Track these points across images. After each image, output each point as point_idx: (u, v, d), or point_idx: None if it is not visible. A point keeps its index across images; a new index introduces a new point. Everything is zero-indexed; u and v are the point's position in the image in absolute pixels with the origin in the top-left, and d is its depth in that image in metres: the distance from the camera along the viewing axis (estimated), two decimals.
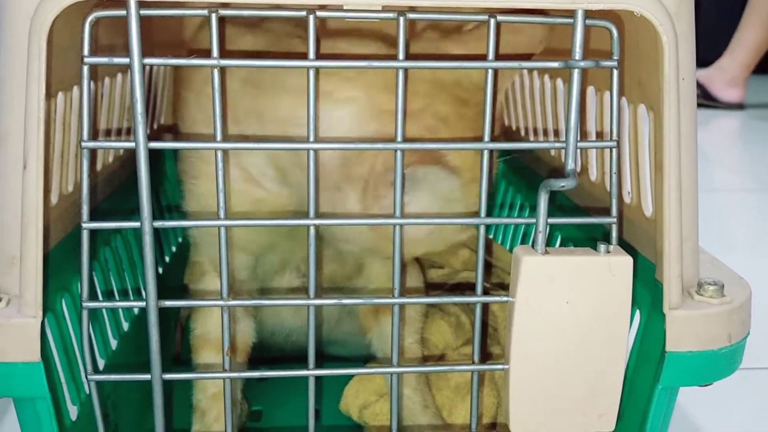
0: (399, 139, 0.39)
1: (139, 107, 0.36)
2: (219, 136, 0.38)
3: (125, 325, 0.54)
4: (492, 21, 0.38)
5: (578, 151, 0.41)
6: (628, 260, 0.40)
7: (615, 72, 0.40)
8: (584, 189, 0.54)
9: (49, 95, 0.38)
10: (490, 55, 0.38)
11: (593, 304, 0.40)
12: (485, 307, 0.63)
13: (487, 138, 0.39)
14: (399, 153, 0.39)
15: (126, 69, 0.51)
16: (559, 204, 0.58)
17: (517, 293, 0.40)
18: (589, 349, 0.41)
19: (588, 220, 0.43)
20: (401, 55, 0.38)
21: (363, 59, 0.39)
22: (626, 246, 0.49)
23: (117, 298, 0.52)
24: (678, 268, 0.41)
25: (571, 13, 0.37)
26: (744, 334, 0.43)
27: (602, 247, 0.40)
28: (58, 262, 0.42)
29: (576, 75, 0.38)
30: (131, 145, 0.37)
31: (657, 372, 0.42)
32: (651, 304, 0.45)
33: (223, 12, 0.36)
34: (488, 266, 0.69)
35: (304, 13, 0.37)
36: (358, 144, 0.40)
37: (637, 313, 0.46)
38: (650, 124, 0.44)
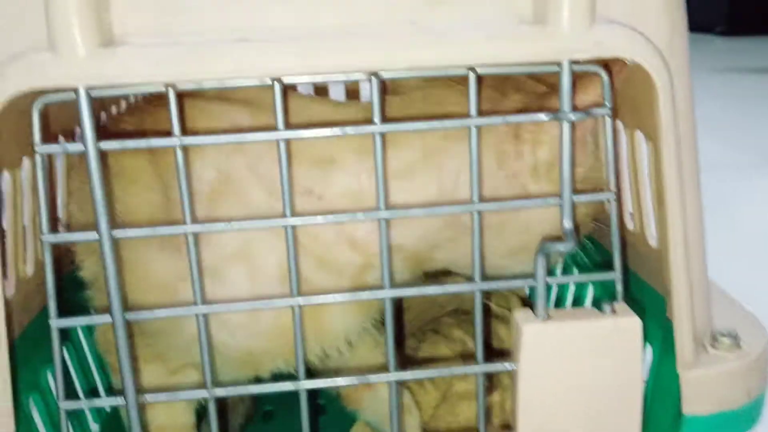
0: (381, 207, 0.36)
1: (98, 195, 0.34)
2: (188, 220, 0.35)
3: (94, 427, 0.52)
4: (472, 74, 0.35)
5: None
6: (636, 321, 0.37)
7: (608, 120, 0.37)
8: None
9: None
10: (472, 112, 0.35)
11: (601, 371, 0.37)
12: (487, 326, 0.60)
13: (475, 199, 0.37)
14: (383, 222, 0.37)
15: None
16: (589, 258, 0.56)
17: (519, 362, 0.37)
18: (601, 417, 0.38)
19: (589, 277, 0.40)
20: (377, 119, 0.35)
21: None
22: (633, 276, 0.46)
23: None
24: (689, 325, 0.38)
25: None
26: (764, 386, 0.40)
27: (607, 307, 0.37)
28: (24, 357, 0.39)
29: (566, 128, 0.35)
30: (94, 237, 0.34)
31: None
32: (662, 342, 0.42)
33: (183, 86, 0.34)
34: None
35: (269, 81, 0.34)
36: (338, 216, 0.37)
37: (649, 348, 0.43)
38: (649, 153, 0.42)
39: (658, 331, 0.43)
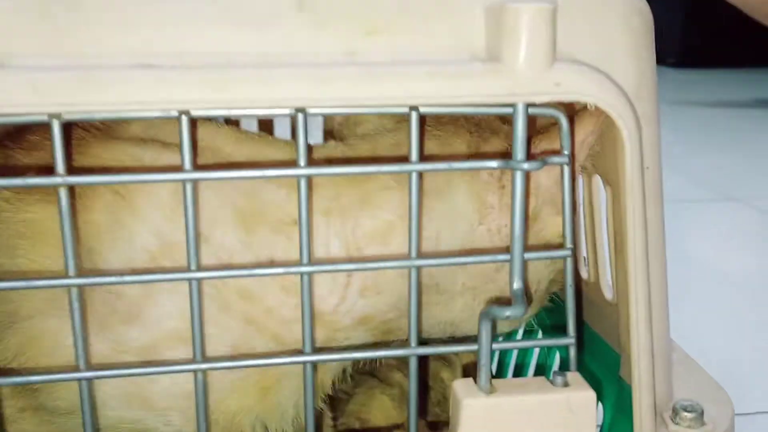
0: (304, 261, 0.31)
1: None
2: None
3: None
4: (414, 114, 0.30)
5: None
6: (590, 396, 0.33)
7: (566, 169, 0.33)
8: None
9: None
10: (414, 157, 0.31)
11: None
12: (432, 372, 0.56)
13: (413, 254, 0.32)
14: (305, 277, 0.32)
15: None
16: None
17: None
18: None
19: (540, 343, 0.36)
20: (302, 161, 0.30)
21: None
22: (587, 329, 0.42)
23: None
24: (650, 398, 0.34)
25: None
26: None
27: (559, 378, 0.33)
28: None
29: (519, 177, 0.31)
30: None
31: None
32: (616, 403, 0.39)
33: (69, 116, 0.28)
34: None
35: (175, 113, 0.29)
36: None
37: (600, 407, 0.39)
38: (608, 198, 0.38)
39: (612, 390, 0.39)
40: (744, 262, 1.16)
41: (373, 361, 0.57)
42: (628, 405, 0.37)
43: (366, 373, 0.55)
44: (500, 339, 0.50)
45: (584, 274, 0.43)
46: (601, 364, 0.40)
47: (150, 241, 0.33)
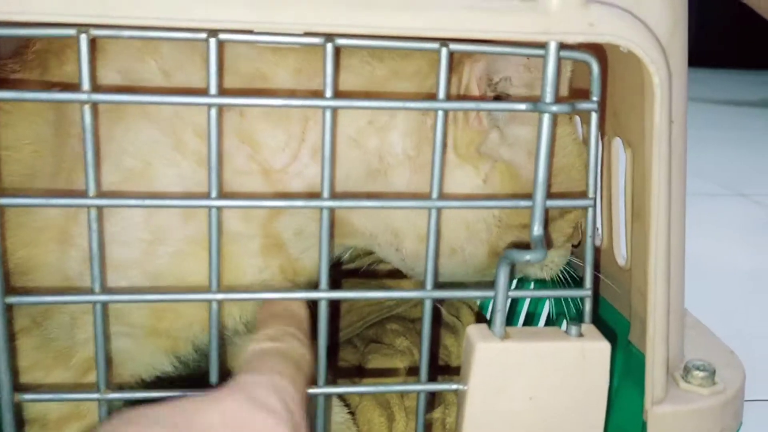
0: (326, 195, 0.31)
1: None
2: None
3: None
4: (444, 50, 0.30)
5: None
6: (605, 347, 0.33)
7: (594, 116, 0.32)
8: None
9: None
10: (441, 94, 0.30)
11: (562, 400, 0.33)
12: (436, 337, 0.55)
13: (435, 195, 0.32)
14: (325, 212, 0.32)
15: None
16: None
17: (469, 383, 0.33)
18: None
19: (556, 293, 0.35)
20: (329, 92, 0.30)
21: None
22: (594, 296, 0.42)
23: None
24: (664, 354, 0.34)
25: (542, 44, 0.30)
26: (737, 426, 0.36)
27: (573, 329, 0.33)
28: None
29: (546, 121, 0.30)
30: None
31: None
32: (623, 371, 0.38)
33: (97, 32, 0.28)
34: None
35: (203, 35, 0.29)
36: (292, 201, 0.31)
37: None
38: (627, 162, 0.37)
39: (619, 357, 0.39)
40: (747, 256, 1.16)
41: (380, 322, 0.57)
42: (636, 371, 0.37)
43: (372, 342, 0.55)
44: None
45: (597, 241, 0.43)
46: (608, 331, 0.40)
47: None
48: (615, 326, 0.40)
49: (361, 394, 0.48)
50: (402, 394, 0.50)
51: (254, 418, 0.25)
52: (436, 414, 0.50)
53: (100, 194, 0.29)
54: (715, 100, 2.60)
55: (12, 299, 0.29)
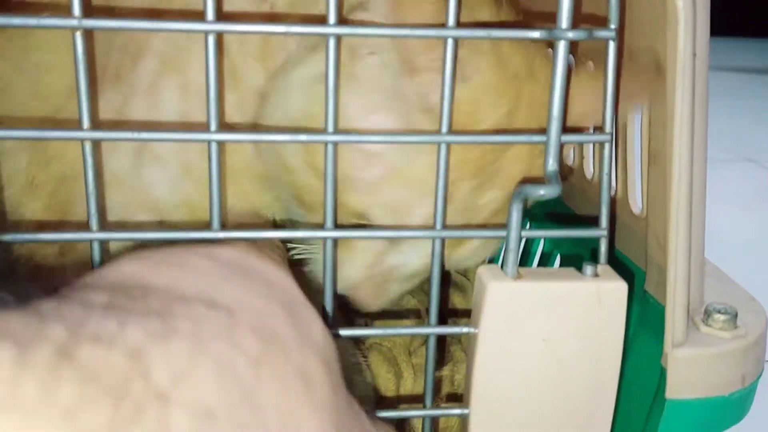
0: (330, 129, 0.30)
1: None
2: (86, 123, 0.28)
3: None
4: None
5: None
6: (622, 287, 0.31)
7: (612, 45, 0.31)
8: (581, 191, 0.45)
9: None
10: (451, 22, 0.29)
11: (577, 342, 0.31)
12: (444, 296, 0.54)
13: (444, 129, 0.30)
14: (330, 146, 0.30)
15: None
16: (552, 212, 0.49)
17: (480, 325, 0.31)
18: (569, 396, 0.32)
19: (570, 233, 0.34)
20: (332, 19, 0.28)
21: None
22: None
23: None
24: (685, 295, 0.33)
25: None
26: (759, 372, 0.35)
27: (589, 269, 0.31)
28: None
29: (562, 49, 0.29)
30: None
31: (650, 420, 0.34)
32: (638, 320, 0.37)
33: None
34: None
35: None
36: (295, 136, 0.30)
37: None
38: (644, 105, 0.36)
39: (635, 306, 0.37)
40: (758, 222, 1.15)
41: None
42: (652, 320, 0.35)
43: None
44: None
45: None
46: (625, 276, 0.39)
47: None
48: (628, 277, 0.39)
49: (368, 350, 0.47)
50: (410, 352, 0.49)
51: (265, 260, 0.24)
52: (445, 371, 0.50)
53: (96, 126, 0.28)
54: (723, 67, 2.58)
55: (6, 237, 0.28)
